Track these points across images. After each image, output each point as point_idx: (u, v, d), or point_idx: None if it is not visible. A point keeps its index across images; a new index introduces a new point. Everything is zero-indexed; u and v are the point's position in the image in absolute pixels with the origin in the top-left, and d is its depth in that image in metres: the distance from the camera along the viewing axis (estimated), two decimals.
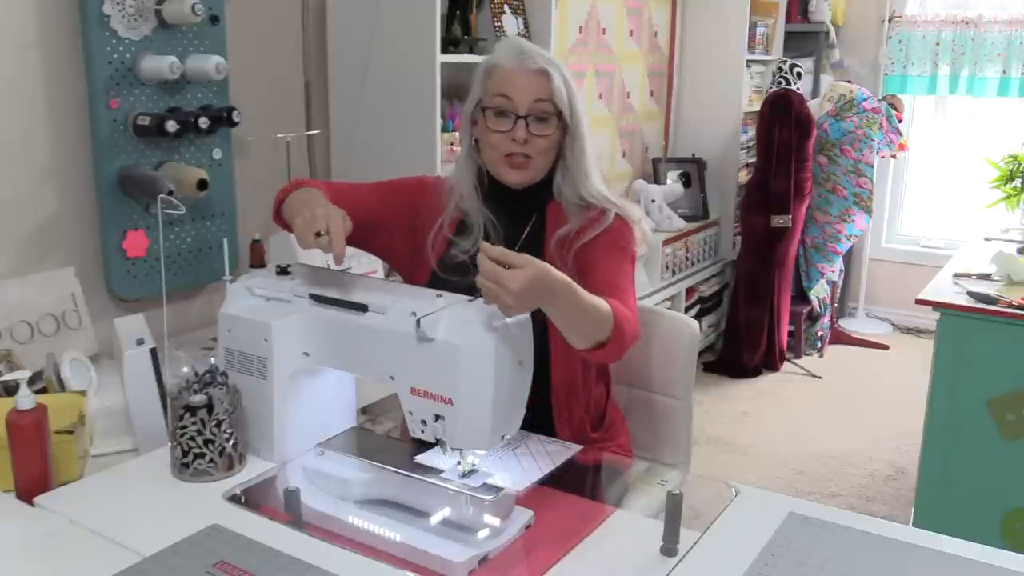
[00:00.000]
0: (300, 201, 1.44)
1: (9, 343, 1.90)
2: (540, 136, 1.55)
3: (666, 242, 3.91)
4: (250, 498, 1.30)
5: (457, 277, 1.55)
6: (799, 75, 4.23)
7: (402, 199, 1.68)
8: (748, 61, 4.40)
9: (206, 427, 1.31)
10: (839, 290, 4.89)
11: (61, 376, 1.72)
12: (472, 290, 1.27)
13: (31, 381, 1.48)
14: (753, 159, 4.44)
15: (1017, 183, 3.49)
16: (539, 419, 1.55)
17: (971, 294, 2.45)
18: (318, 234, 1.30)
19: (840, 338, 4.74)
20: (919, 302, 2.47)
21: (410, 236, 1.66)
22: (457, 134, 2.71)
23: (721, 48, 4.36)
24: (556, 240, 1.58)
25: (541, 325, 1.39)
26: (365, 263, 2.24)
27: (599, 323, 1.36)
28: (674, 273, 4.03)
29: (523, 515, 1.24)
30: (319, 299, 1.36)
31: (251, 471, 1.37)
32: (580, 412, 1.63)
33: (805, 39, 4.77)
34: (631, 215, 1.63)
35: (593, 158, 1.62)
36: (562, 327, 1.36)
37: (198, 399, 1.31)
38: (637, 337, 1.47)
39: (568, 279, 1.29)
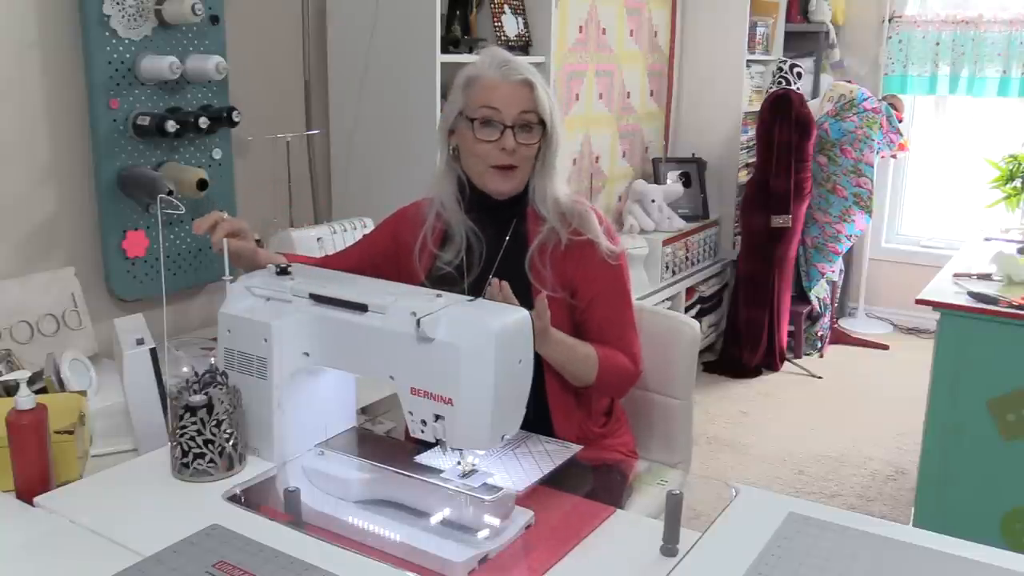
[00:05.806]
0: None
1: (9, 343, 1.90)
2: (525, 145, 1.59)
3: (666, 242, 3.91)
4: (250, 498, 1.30)
5: (445, 288, 1.55)
6: (799, 75, 4.22)
7: (382, 242, 1.75)
8: (748, 61, 4.40)
9: (206, 427, 1.31)
10: (839, 290, 4.88)
11: (61, 376, 1.72)
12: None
13: (31, 381, 1.48)
14: (753, 159, 4.43)
15: (1017, 183, 3.49)
16: (538, 414, 1.58)
17: (971, 294, 2.45)
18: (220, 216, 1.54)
19: (840, 338, 4.74)
20: (919, 302, 2.47)
21: (398, 268, 1.70)
22: None
23: (721, 48, 4.36)
24: (537, 247, 1.62)
25: None
26: None
27: (585, 364, 1.58)
28: (674, 273, 4.03)
29: (523, 515, 1.24)
30: (319, 299, 1.36)
31: (251, 471, 1.37)
32: (577, 405, 1.66)
33: (805, 39, 4.77)
34: (589, 226, 1.63)
35: (561, 166, 1.69)
36: (559, 367, 1.59)
37: (198, 399, 1.31)
38: (637, 375, 1.66)
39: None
